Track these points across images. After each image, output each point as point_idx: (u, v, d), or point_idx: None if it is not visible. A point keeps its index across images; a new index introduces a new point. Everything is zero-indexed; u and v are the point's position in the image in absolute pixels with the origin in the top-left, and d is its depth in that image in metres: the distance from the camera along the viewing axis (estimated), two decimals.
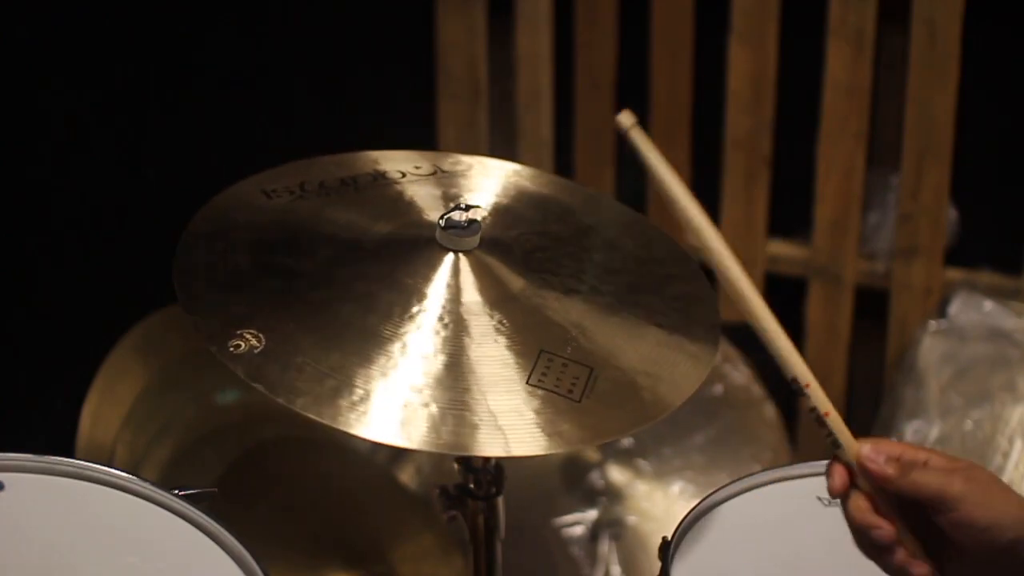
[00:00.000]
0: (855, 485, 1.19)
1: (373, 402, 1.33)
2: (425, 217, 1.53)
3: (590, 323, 1.46)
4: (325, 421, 1.32)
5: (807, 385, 1.24)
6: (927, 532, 1.17)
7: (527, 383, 1.37)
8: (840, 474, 1.19)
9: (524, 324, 1.42)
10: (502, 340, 1.41)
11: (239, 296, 1.41)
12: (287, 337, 1.37)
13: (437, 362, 1.38)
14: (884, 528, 1.17)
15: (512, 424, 1.35)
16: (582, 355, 1.41)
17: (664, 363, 1.45)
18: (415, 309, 1.41)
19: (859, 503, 1.18)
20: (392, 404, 1.33)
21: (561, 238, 1.56)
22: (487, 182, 1.61)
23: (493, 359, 1.39)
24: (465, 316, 1.42)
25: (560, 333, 1.43)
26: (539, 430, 1.35)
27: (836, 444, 1.19)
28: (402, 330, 1.40)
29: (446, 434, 1.33)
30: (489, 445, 1.34)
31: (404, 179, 1.59)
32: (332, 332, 1.38)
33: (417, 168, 1.61)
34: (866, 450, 1.18)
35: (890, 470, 1.17)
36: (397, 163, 1.61)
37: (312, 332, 1.38)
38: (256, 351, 1.35)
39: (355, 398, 1.33)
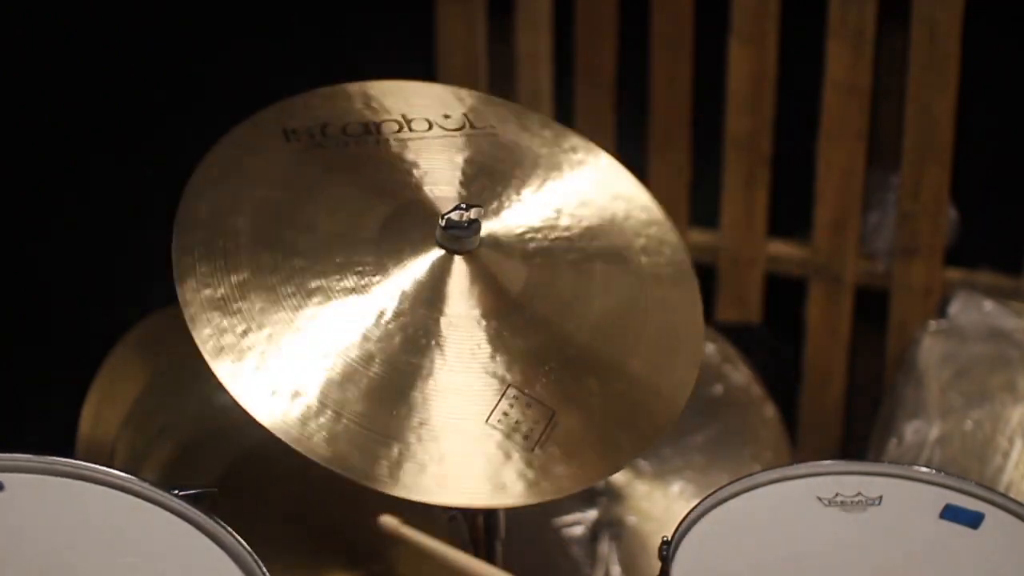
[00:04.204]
0: None
1: (341, 430, 1.32)
2: (434, 195, 1.49)
3: (572, 349, 1.43)
4: (290, 442, 1.32)
5: None
6: None
7: (486, 422, 1.36)
8: None
9: (502, 347, 1.40)
10: (476, 366, 1.38)
11: (233, 274, 1.40)
12: (273, 343, 1.36)
13: (405, 387, 1.35)
14: None
15: (458, 471, 1.32)
16: (548, 394, 1.38)
17: (632, 407, 1.42)
18: (400, 319, 1.40)
19: None
20: (357, 435, 1.32)
21: (568, 237, 1.53)
22: (512, 145, 1.56)
23: (459, 389, 1.37)
24: (445, 333, 1.40)
25: (536, 363, 1.40)
26: (485, 480, 1.32)
27: None
28: (381, 344, 1.37)
29: (388, 470, 1.31)
30: (433, 492, 1.31)
31: (430, 132, 1.55)
32: (317, 341, 1.37)
33: (447, 117, 1.57)
34: None
35: None
36: (427, 109, 1.56)
37: (299, 342, 1.37)
38: (241, 355, 1.35)
39: (323, 421, 1.33)
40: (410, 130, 1.54)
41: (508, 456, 1.33)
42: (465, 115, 1.57)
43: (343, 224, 1.45)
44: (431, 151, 1.53)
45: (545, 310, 1.45)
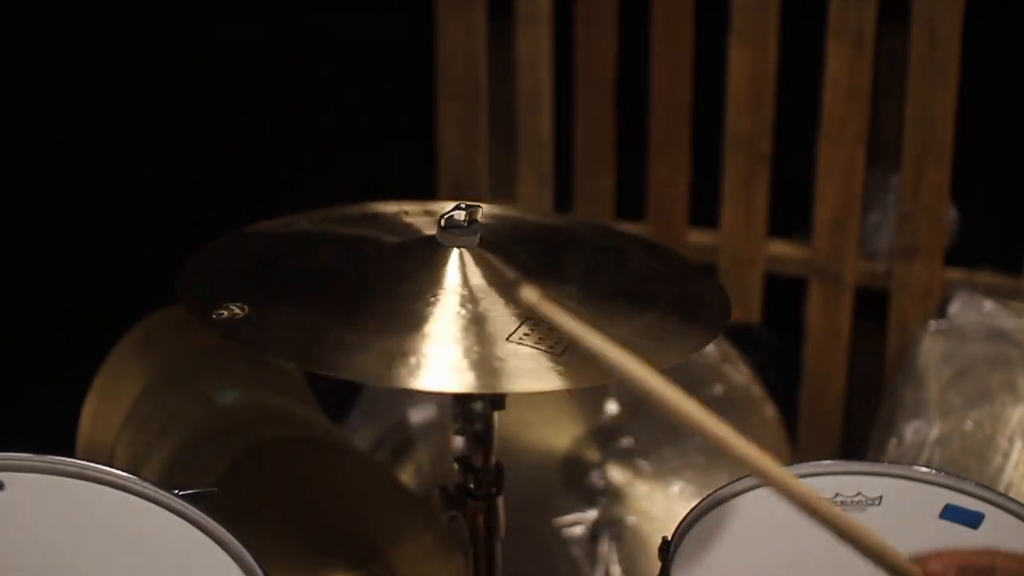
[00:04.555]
0: None
1: (353, 347, 1.34)
2: (429, 230, 1.54)
3: (589, 304, 1.46)
4: (300, 365, 1.33)
5: None
6: None
7: (507, 340, 1.37)
8: None
9: (515, 304, 1.42)
10: (491, 314, 1.41)
11: (236, 279, 1.44)
12: (271, 304, 1.39)
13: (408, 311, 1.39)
14: None
15: (504, 367, 1.34)
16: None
17: (660, 331, 1.45)
18: (420, 299, 1.42)
19: None
20: (373, 350, 1.34)
21: (566, 260, 1.57)
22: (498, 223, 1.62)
23: (472, 320, 1.39)
24: (456, 298, 1.43)
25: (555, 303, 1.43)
26: (520, 375, 1.34)
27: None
28: (379, 289, 1.42)
29: (420, 372, 1.33)
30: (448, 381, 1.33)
31: (426, 216, 1.62)
32: (314, 292, 1.42)
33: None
34: (935, 567, 1.12)
35: None
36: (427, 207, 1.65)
37: (296, 296, 1.41)
38: (238, 317, 1.36)
39: (330, 344, 1.34)
40: (407, 214, 1.61)
41: (536, 361, 1.34)
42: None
43: (349, 248, 1.52)
44: (428, 219, 1.60)
45: (555, 280, 1.47)
